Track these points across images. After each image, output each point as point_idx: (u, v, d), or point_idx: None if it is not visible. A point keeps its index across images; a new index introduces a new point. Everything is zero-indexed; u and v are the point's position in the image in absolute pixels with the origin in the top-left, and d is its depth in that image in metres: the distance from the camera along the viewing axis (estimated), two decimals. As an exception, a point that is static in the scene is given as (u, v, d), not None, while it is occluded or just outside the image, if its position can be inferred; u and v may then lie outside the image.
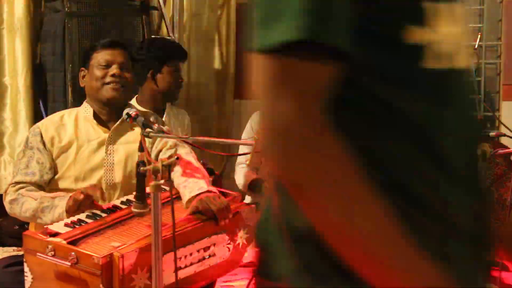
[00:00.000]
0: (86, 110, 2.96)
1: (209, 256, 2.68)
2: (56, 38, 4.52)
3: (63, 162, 2.89)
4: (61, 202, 2.75)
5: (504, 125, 3.91)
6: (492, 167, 4.65)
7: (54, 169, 2.90)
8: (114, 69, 2.91)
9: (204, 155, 3.94)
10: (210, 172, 3.55)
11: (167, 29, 5.16)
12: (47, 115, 4.49)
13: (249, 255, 2.64)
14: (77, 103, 3.06)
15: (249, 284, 2.51)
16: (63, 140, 2.90)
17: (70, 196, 2.73)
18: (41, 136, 2.89)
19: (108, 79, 2.91)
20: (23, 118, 4.65)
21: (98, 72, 2.91)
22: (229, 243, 2.75)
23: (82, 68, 3.00)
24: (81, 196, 2.68)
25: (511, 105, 5.37)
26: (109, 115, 2.93)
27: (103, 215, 2.69)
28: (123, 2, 4.71)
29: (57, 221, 2.73)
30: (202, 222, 2.67)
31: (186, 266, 2.61)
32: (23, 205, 2.81)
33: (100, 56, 2.93)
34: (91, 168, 2.88)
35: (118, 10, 4.66)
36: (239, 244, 2.79)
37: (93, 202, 2.72)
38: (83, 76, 2.99)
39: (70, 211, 2.70)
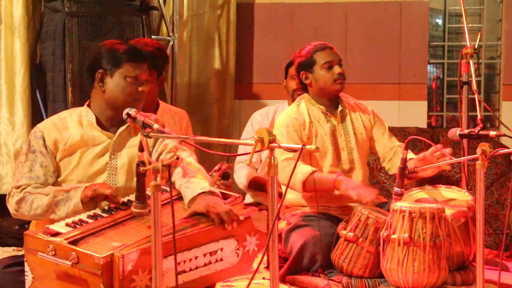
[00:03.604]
0: (88, 115, 2.95)
1: (216, 260, 2.64)
2: (56, 38, 4.52)
3: (66, 165, 2.89)
4: (76, 194, 2.77)
5: (504, 125, 3.91)
6: (492, 167, 4.66)
7: (57, 172, 2.91)
8: (144, 86, 2.92)
9: (204, 155, 3.94)
10: (227, 176, 3.54)
11: (167, 29, 5.16)
12: (47, 115, 4.49)
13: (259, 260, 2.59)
14: (77, 103, 3.04)
15: (249, 284, 2.50)
16: (68, 144, 2.89)
17: (87, 187, 2.76)
18: (44, 139, 2.89)
19: (139, 95, 2.89)
20: (20, 118, 4.65)
21: (129, 85, 2.88)
22: (238, 249, 2.71)
23: (102, 71, 2.91)
24: (109, 191, 2.71)
25: (511, 105, 5.37)
26: (113, 121, 2.93)
27: (104, 215, 2.69)
28: (123, 2, 4.71)
29: (72, 213, 2.75)
30: (210, 226, 2.64)
31: (191, 270, 2.58)
32: (33, 202, 2.82)
33: (132, 69, 2.90)
34: (94, 172, 2.89)
35: (118, 10, 4.66)
36: (248, 250, 2.75)
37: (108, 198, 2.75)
38: (101, 79, 2.91)
39: (85, 201, 2.74)
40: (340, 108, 3.80)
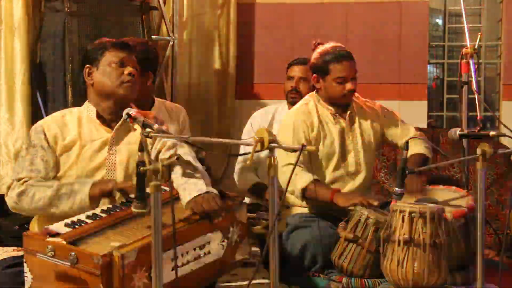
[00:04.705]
0: (88, 110, 2.96)
1: (205, 254, 2.70)
2: (56, 38, 4.52)
3: (65, 161, 2.90)
4: (84, 188, 2.77)
5: (504, 125, 3.91)
6: (492, 167, 4.66)
7: (57, 167, 2.91)
8: (130, 69, 2.93)
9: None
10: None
11: (167, 29, 5.16)
12: (47, 115, 4.50)
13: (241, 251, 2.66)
14: (77, 103, 3.05)
15: (249, 284, 2.51)
16: (66, 139, 2.91)
17: (95, 184, 2.78)
18: (44, 134, 2.90)
19: (126, 77, 2.91)
20: (20, 118, 4.65)
21: (114, 70, 2.92)
22: (223, 241, 2.77)
23: (88, 66, 2.97)
24: (129, 184, 2.76)
25: (511, 105, 5.38)
26: (113, 114, 2.93)
27: (103, 215, 2.69)
28: (123, 2, 4.71)
29: (77, 209, 2.76)
30: (197, 221, 2.69)
31: (183, 264, 2.62)
32: (34, 195, 2.82)
33: (115, 55, 2.94)
34: (93, 168, 2.89)
35: (118, 10, 4.66)
36: (231, 241, 2.82)
37: (114, 198, 2.78)
38: (89, 74, 2.97)
39: (94, 198, 2.76)
40: (349, 111, 3.78)
